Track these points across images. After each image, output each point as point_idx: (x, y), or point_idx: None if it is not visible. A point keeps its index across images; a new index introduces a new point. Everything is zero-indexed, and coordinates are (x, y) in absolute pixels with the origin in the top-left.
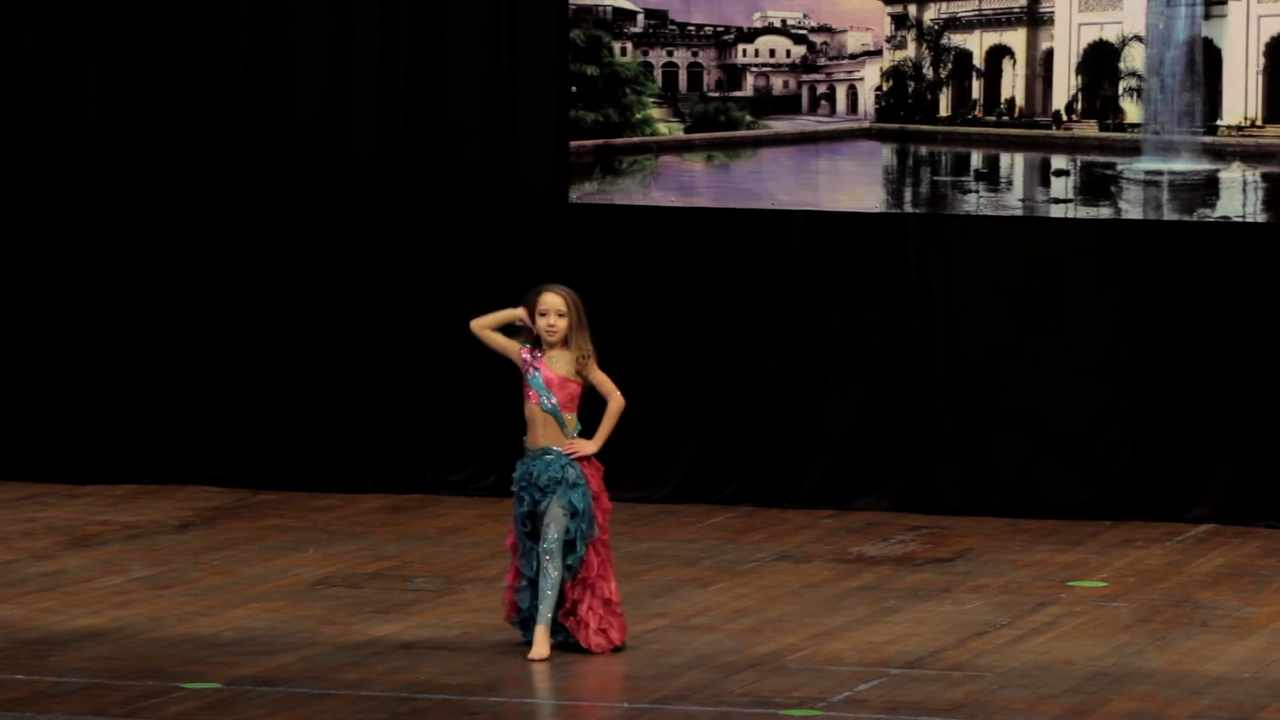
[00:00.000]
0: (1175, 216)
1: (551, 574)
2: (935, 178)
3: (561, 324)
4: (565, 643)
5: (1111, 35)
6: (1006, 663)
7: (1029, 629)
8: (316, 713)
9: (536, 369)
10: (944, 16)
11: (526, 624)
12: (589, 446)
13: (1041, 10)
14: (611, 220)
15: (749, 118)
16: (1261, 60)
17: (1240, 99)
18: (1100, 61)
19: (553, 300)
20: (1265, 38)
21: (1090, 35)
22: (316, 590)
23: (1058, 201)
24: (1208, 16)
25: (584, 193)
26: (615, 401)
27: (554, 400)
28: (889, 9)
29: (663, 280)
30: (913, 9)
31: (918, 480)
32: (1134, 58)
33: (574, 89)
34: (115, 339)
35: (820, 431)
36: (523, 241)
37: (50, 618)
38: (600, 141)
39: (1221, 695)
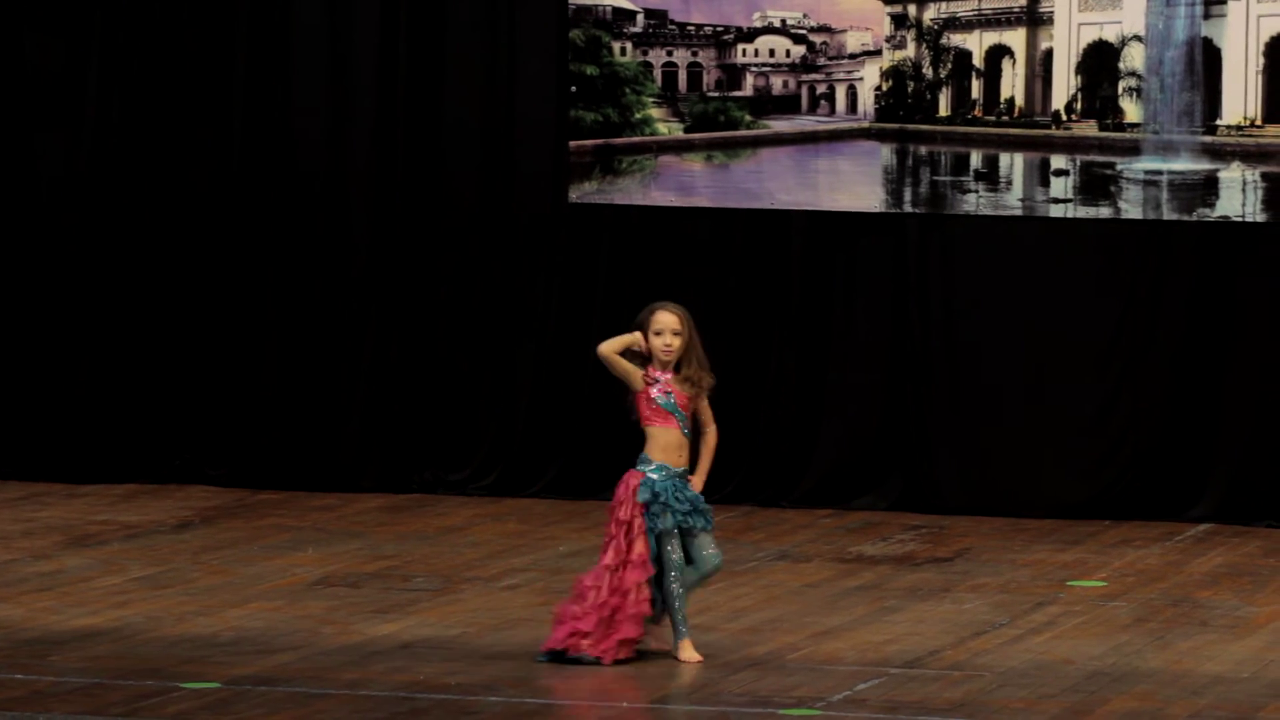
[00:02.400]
0: (1175, 216)
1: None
2: (935, 177)
3: (677, 343)
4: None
5: (1111, 35)
6: (1006, 662)
7: (1028, 628)
8: (315, 712)
9: (670, 393)
10: (943, 16)
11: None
12: (697, 483)
13: (1041, 10)
14: (611, 220)
15: (748, 117)
16: (1261, 60)
17: (1240, 99)
18: (1100, 61)
19: (668, 319)
20: (1265, 37)
21: (1090, 35)
22: (315, 590)
23: (1057, 201)
24: (1207, 16)
25: (584, 192)
26: (713, 434)
27: (689, 426)
28: (888, 9)
29: (662, 280)
30: (912, 9)
31: (917, 480)
32: (1133, 57)
33: (573, 89)
34: (115, 339)
35: (819, 431)
36: (522, 241)
37: (49, 617)
38: (600, 141)
39: (1220, 695)
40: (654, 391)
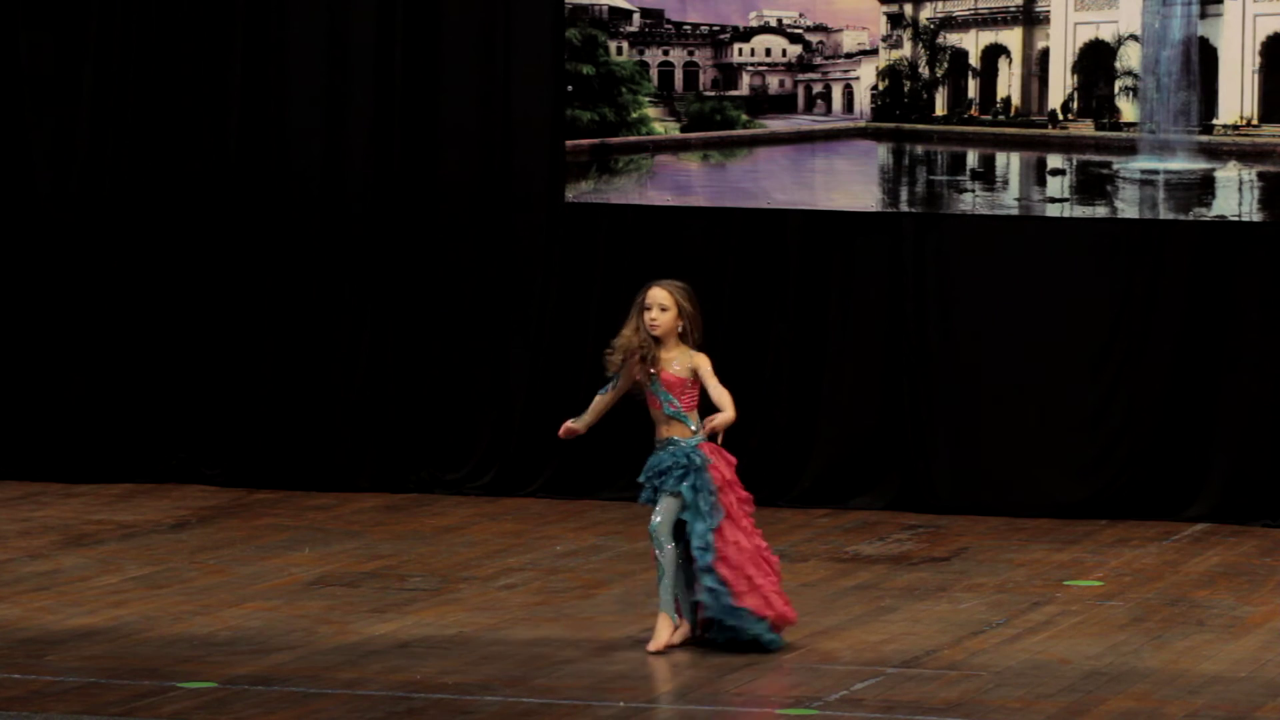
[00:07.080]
0: (1171, 216)
1: (659, 560)
2: (931, 177)
3: (665, 318)
4: (731, 641)
5: (1107, 34)
6: (1002, 662)
7: (1025, 628)
8: (312, 712)
9: (655, 374)
10: (940, 16)
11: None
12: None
13: (1037, 9)
14: (607, 220)
15: (745, 117)
16: (1257, 59)
17: (1236, 98)
18: (1096, 60)
19: (656, 294)
20: (1261, 37)
21: (1086, 34)
22: (312, 589)
23: (1053, 201)
24: (1204, 15)
25: (580, 192)
26: (725, 415)
27: (677, 404)
28: (885, 8)
29: (658, 279)
30: (908, 8)
31: (914, 479)
32: (1130, 57)
33: (570, 88)
34: (111, 339)
35: (816, 430)
36: (518, 240)
37: (46, 617)
38: (596, 141)
39: (1217, 694)
40: (649, 378)
